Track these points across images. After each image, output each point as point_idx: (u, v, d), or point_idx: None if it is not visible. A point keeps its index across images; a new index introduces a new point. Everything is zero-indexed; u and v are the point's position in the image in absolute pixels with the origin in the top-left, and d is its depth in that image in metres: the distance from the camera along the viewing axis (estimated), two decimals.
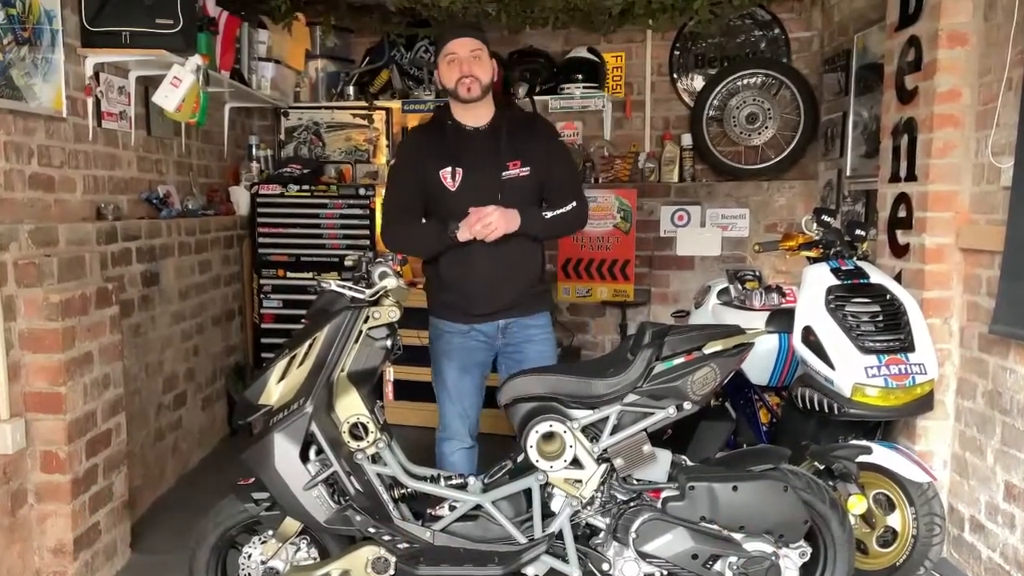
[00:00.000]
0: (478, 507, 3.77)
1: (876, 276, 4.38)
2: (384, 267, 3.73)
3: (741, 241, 7.37)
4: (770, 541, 3.60)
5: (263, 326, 7.19)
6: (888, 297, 4.27)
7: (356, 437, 3.69)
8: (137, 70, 5.47)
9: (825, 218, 4.64)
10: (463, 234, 4.09)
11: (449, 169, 4.22)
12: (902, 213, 4.65)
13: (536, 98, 7.28)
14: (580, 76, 7.27)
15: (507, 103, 4.45)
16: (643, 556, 3.59)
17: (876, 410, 4.17)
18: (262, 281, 7.15)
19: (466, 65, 4.17)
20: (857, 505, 3.81)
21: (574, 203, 4.32)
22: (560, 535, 3.70)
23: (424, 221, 4.35)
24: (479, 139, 4.30)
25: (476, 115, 4.31)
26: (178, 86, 5.21)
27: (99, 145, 5.17)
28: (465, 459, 4.48)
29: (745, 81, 7.29)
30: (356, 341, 3.72)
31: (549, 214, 4.27)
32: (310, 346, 3.69)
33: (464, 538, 3.74)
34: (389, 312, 3.72)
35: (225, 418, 6.91)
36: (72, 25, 4.88)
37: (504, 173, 4.24)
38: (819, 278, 4.39)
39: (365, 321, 3.71)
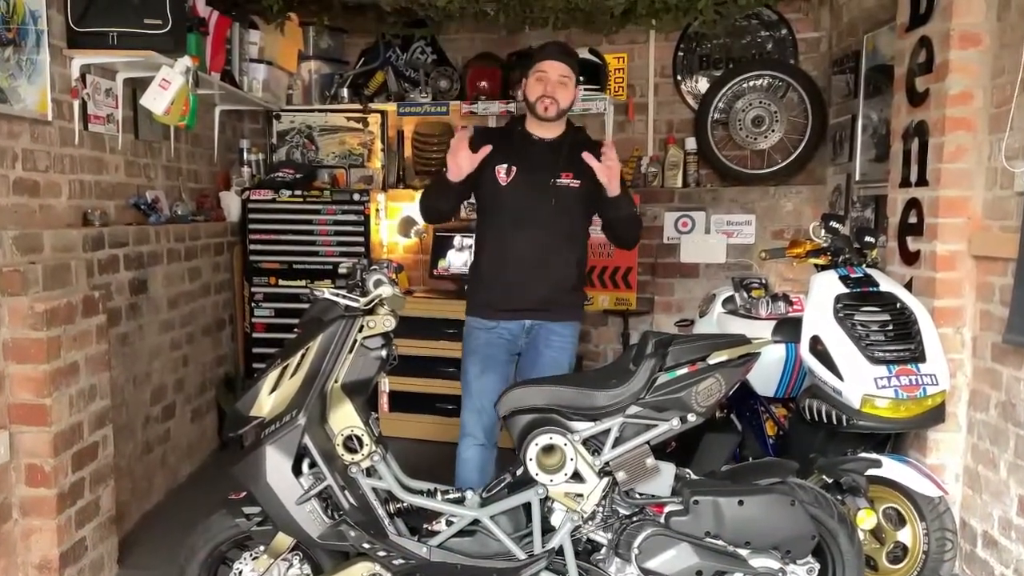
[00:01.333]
0: (476, 522, 3.77)
1: (886, 284, 4.39)
2: (379, 275, 3.73)
3: (747, 248, 7.38)
4: (777, 557, 3.60)
5: (254, 335, 7.21)
6: (898, 306, 4.28)
7: (350, 450, 3.69)
8: (125, 72, 5.48)
9: (833, 224, 4.65)
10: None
11: (505, 166, 4.58)
12: (913, 219, 4.66)
13: None
14: (581, 78, 7.21)
15: (576, 128, 4.83)
16: (646, 572, 3.59)
17: (886, 422, 4.18)
18: (253, 289, 7.17)
19: (551, 86, 4.54)
20: (866, 520, 3.81)
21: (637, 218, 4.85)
22: (560, 551, 3.70)
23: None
24: (540, 147, 4.65)
25: (545, 129, 4.67)
26: (167, 88, 5.22)
27: (85, 149, 5.18)
28: (477, 457, 4.63)
29: (751, 83, 7.30)
30: (350, 351, 3.72)
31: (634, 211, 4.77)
32: (303, 356, 3.69)
33: (462, 554, 3.74)
34: (384, 321, 3.73)
35: (215, 430, 6.90)
36: (58, 25, 4.90)
37: (556, 180, 4.56)
38: (827, 286, 4.40)
39: (360, 330, 3.71)
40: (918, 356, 4.17)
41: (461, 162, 4.40)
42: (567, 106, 4.63)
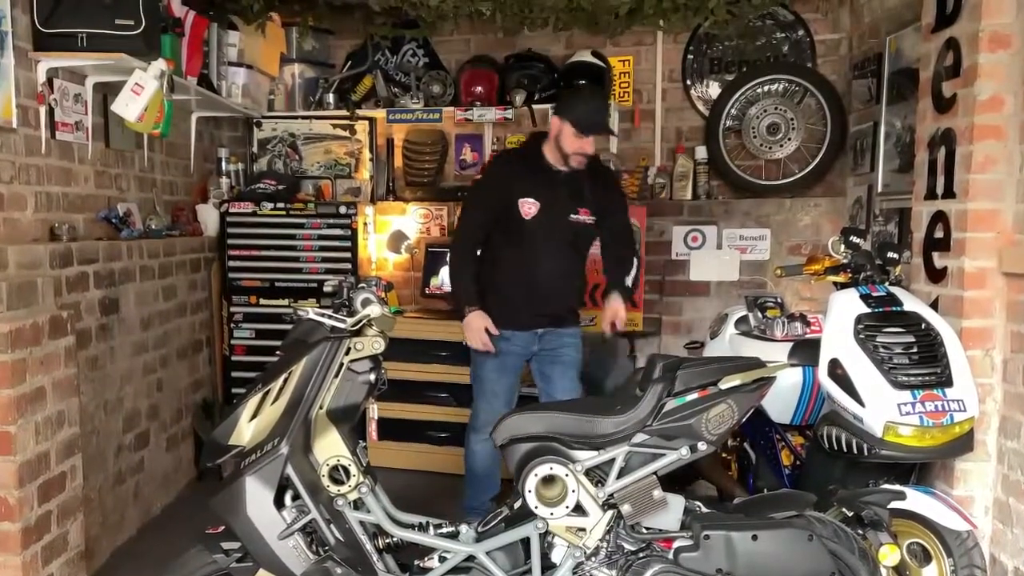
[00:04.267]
0: (471, 558, 3.78)
1: (910, 303, 4.40)
2: (367, 293, 3.75)
3: (761, 265, 7.39)
4: None
5: (233, 358, 7.21)
6: (923, 326, 4.29)
7: (336, 481, 3.71)
8: (95, 76, 5.49)
9: (854, 239, 4.66)
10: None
11: (531, 200, 5.30)
12: (939, 234, 4.65)
13: (535, 107, 7.32)
14: (583, 82, 7.28)
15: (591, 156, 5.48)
16: None
17: (910, 451, 4.18)
18: (232, 309, 7.18)
19: (588, 147, 5.24)
20: (889, 556, 3.80)
21: (635, 259, 5.78)
22: None
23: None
24: (560, 180, 5.36)
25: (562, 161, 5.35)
26: (140, 94, 5.22)
27: (52, 159, 5.19)
28: (489, 447, 5.15)
29: (766, 88, 7.32)
30: (336, 375, 3.74)
31: (629, 281, 5.61)
32: (285, 381, 3.71)
33: None
34: (373, 343, 3.74)
35: (192, 460, 6.90)
36: (23, 26, 4.90)
37: (572, 216, 5.40)
38: (847, 305, 4.40)
39: (346, 353, 3.73)
40: (945, 380, 4.17)
41: (476, 342, 5.29)
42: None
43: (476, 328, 5.25)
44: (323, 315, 3.72)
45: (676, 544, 3.67)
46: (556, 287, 5.44)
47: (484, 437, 5.20)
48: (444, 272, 7.36)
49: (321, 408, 3.73)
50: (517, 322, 5.38)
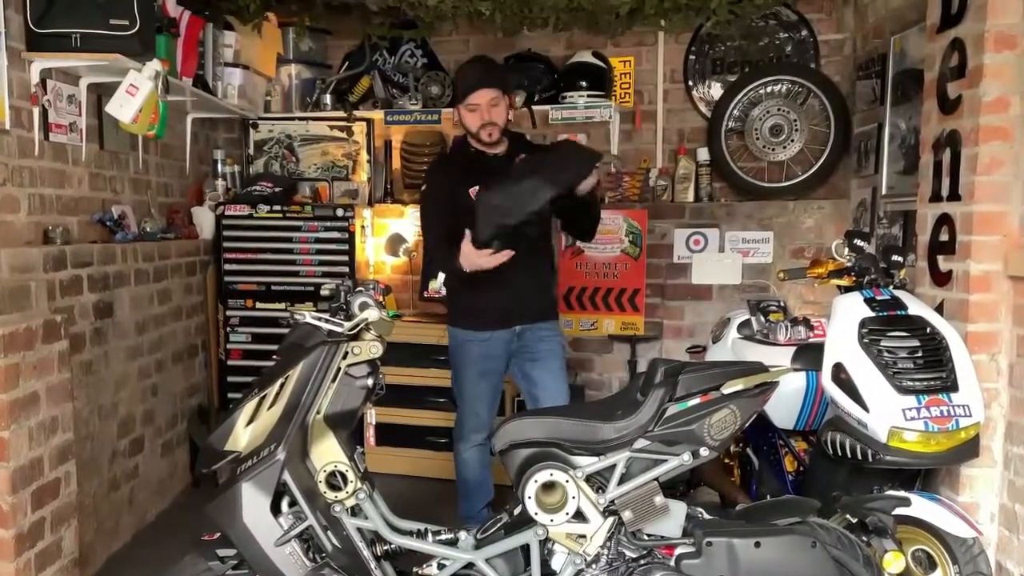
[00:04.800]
0: (470, 565, 3.79)
1: (915, 307, 4.40)
2: (365, 297, 3.76)
3: (764, 268, 7.39)
4: None
5: (229, 363, 7.22)
6: (928, 331, 4.29)
7: (334, 487, 3.71)
8: (89, 76, 5.50)
9: (858, 242, 4.67)
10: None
11: (477, 188, 4.97)
12: (944, 237, 4.66)
13: (535, 108, 7.31)
14: (584, 83, 7.28)
15: (518, 137, 5.52)
16: None
17: (915, 457, 4.18)
18: (228, 313, 7.19)
19: (486, 114, 5.11)
20: (894, 563, 3.80)
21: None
22: None
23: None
24: (499, 163, 5.19)
25: (493, 148, 5.27)
26: (134, 95, 5.23)
27: (46, 160, 5.20)
28: (478, 454, 5.34)
29: (769, 89, 7.32)
30: (334, 380, 3.74)
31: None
32: (282, 385, 3.71)
33: None
34: (371, 347, 3.75)
35: (187, 466, 6.91)
36: (16, 26, 4.91)
37: None
38: (851, 309, 4.41)
39: (344, 357, 3.73)
40: (950, 385, 4.17)
41: (488, 260, 4.82)
42: (505, 122, 5.25)
43: (471, 252, 4.81)
44: (320, 319, 3.73)
45: (678, 551, 3.67)
46: (530, 273, 5.22)
47: (472, 444, 5.33)
48: (443, 276, 7.35)
49: (318, 413, 3.73)
50: (492, 321, 5.26)
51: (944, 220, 4.66)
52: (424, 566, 3.83)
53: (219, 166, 7.59)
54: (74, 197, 5.52)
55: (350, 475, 3.70)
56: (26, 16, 4.95)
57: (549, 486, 3.71)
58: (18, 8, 4.93)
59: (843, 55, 7.36)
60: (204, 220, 7.19)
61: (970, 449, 4.24)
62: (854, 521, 3.95)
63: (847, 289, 4.61)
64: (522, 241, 4.93)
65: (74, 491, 4.73)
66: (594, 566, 3.73)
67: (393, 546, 3.79)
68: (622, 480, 3.68)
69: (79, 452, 4.91)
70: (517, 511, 3.82)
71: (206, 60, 6.51)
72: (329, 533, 3.68)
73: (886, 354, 4.23)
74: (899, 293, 4.47)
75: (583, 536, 3.69)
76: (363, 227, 7.65)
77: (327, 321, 3.71)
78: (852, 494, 4.22)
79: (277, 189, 7.32)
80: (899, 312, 4.35)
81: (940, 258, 4.70)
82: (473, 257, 4.81)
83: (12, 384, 4.14)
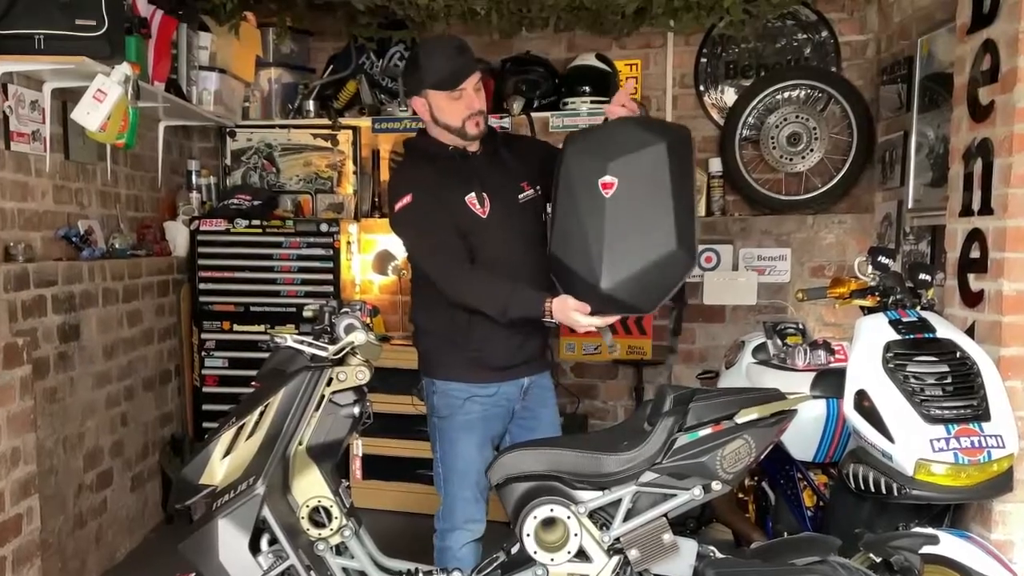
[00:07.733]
0: None
1: (944, 330, 4.40)
2: (351, 319, 3.77)
3: (781, 287, 7.41)
4: None
5: (205, 390, 7.22)
6: (958, 355, 4.29)
7: (317, 524, 3.72)
8: (53, 81, 5.48)
9: (882, 259, 4.67)
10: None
11: (474, 195, 4.38)
12: (975, 253, 4.65)
13: (534, 114, 7.34)
14: (587, 88, 7.30)
15: (489, 129, 4.64)
16: None
17: (944, 491, 4.18)
18: (203, 336, 7.19)
19: (475, 101, 4.37)
20: None
21: None
22: None
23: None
24: (483, 162, 4.50)
25: (472, 143, 4.49)
26: (102, 100, 5.23)
27: (7, 172, 5.21)
28: (474, 550, 4.46)
29: (786, 95, 7.35)
30: (317, 408, 3.75)
31: None
32: (261, 414, 3.72)
33: None
34: (357, 373, 3.76)
35: (159, 501, 6.92)
36: None
37: (520, 196, 4.51)
38: (875, 332, 4.42)
39: (328, 384, 3.74)
40: (981, 414, 4.17)
41: (593, 321, 4.11)
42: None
43: (573, 309, 4.06)
44: (302, 342, 3.74)
45: None
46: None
47: (468, 539, 4.47)
48: None
49: (300, 444, 3.74)
50: (499, 367, 4.43)
51: (975, 236, 4.64)
52: None
53: (193, 178, 7.60)
54: (37, 211, 5.52)
55: (335, 511, 3.71)
56: None
57: (549, 523, 3.71)
58: None
59: (866, 58, 7.38)
60: (177, 236, 7.19)
61: (1003, 483, 4.23)
62: (878, 561, 3.95)
63: (871, 310, 4.62)
64: (527, 241, 4.45)
65: (37, 528, 4.73)
66: None
67: None
68: (628, 516, 3.69)
69: (43, 486, 4.91)
70: (515, 550, 3.82)
71: (179, 63, 6.52)
72: (312, 573, 3.68)
73: (913, 380, 4.23)
74: (927, 315, 4.47)
75: None
76: (349, 243, 7.62)
77: (310, 345, 3.72)
78: (876, 531, 4.22)
79: (256, 202, 7.32)
80: (927, 335, 4.36)
81: (971, 277, 4.68)
82: (578, 317, 4.05)
83: None
